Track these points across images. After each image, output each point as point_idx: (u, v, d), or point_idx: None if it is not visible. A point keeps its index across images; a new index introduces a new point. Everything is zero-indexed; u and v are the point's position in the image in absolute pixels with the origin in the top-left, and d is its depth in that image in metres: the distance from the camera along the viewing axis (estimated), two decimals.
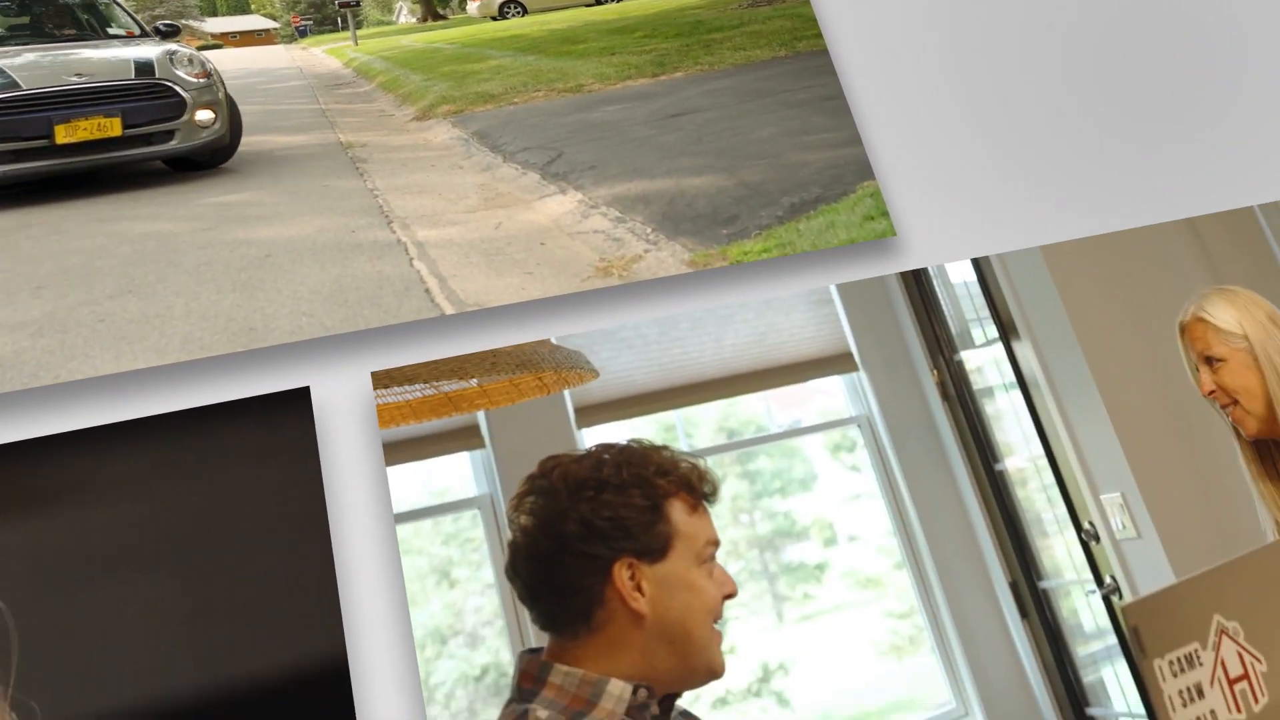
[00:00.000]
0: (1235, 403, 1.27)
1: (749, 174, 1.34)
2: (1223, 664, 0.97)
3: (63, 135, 1.34)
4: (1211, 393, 1.27)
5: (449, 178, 1.36)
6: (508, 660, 1.01)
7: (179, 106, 1.43)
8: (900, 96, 1.44)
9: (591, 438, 1.14)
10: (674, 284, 1.26)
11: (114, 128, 1.38)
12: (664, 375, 1.18)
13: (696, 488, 0.93)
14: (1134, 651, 0.91)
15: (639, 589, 0.89)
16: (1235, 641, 0.99)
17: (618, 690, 0.87)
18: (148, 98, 1.43)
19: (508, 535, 0.97)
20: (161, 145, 1.42)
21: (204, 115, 1.44)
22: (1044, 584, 1.19)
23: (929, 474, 1.20)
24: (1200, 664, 0.94)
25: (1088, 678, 1.15)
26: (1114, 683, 1.15)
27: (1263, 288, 1.34)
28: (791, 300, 1.25)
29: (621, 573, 0.89)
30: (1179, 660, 0.93)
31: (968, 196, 1.39)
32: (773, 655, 1.04)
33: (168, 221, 1.27)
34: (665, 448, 0.95)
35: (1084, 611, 1.18)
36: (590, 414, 1.15)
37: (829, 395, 1.18)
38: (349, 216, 1.29)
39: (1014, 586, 1.17)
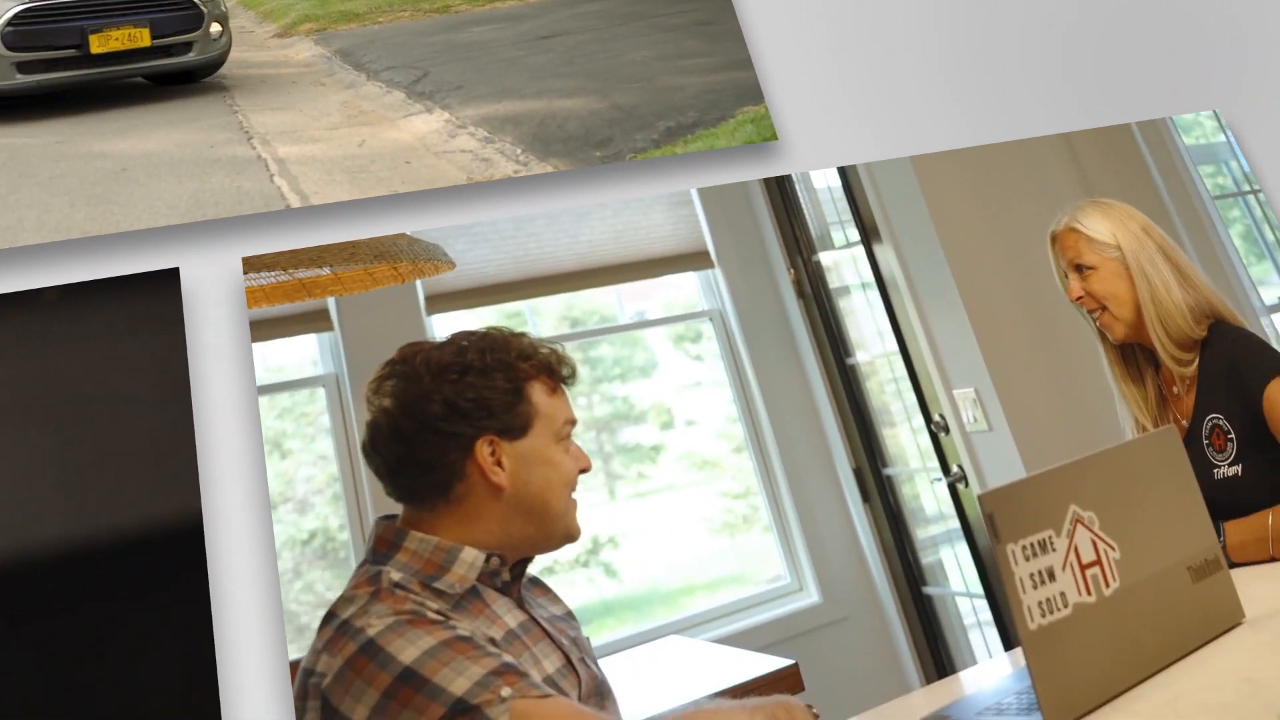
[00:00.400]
0: (1104, 309, 1.31)
1: (622, 97, 1.35)
2: (1076, 550, 1.00)
3: (97, 45, 1.33)
4: (1079, 299, 1.31)
5: (311, 94, 1.36)
6: (336, 526, 1.06)
7: (198, 19, 1.43)
8: (787, 7, 1.50)
9: (440, 324, 1.20)
10: (552, 182, 1.31)
11: (143, 38, 1.38)
12: (517, 268, 1.24)
13: (556, 371, 1.00)
14: (989, 537, 0.95)
15: (499, 464, 0.96)
16: (1090, 530, 1.03)
17: (470, 557, 0.93)
18: (171, 9, 1.42)
19: (365, 415, 1.02)
20: (180, 57, 1.42)
21: (215, 28, 1.44)
22: (888, 471, 1.23)
23: (779, 366, 1.24)
24: (1053, 550, 0.98)
25: (926, 559, 1.19)
26: (953, 564, 1.19)
27: (1136, 203, 1.38)
28: (651, 201, 1.30)
29: (483, 449, 0.95)
30: (1032, 545, 0.97)
31: (848, 106, 1.44)
32: (603, 530, 1.09)
33: (20, 135, 1.25)
34: (525, 334, 1.01)
35: (927, 497, 1.22)
36: (440, 302, 1.21)
37: (679, 290, 1.23)
38: (208, 132, 1.29)
39: (858, 473, 1.21)
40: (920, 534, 1.17)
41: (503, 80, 1.39)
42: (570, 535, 0.98)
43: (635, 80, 1.40)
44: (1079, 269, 1.32)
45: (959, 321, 1.30)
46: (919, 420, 1.25)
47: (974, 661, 1.14)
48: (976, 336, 1.29)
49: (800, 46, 1.46)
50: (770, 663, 1.09)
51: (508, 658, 0.88)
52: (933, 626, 1.15)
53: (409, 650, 0.86)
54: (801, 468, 1.19)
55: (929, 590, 1.16)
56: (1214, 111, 1.50)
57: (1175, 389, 1.32)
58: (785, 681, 1.08)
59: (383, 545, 0.95)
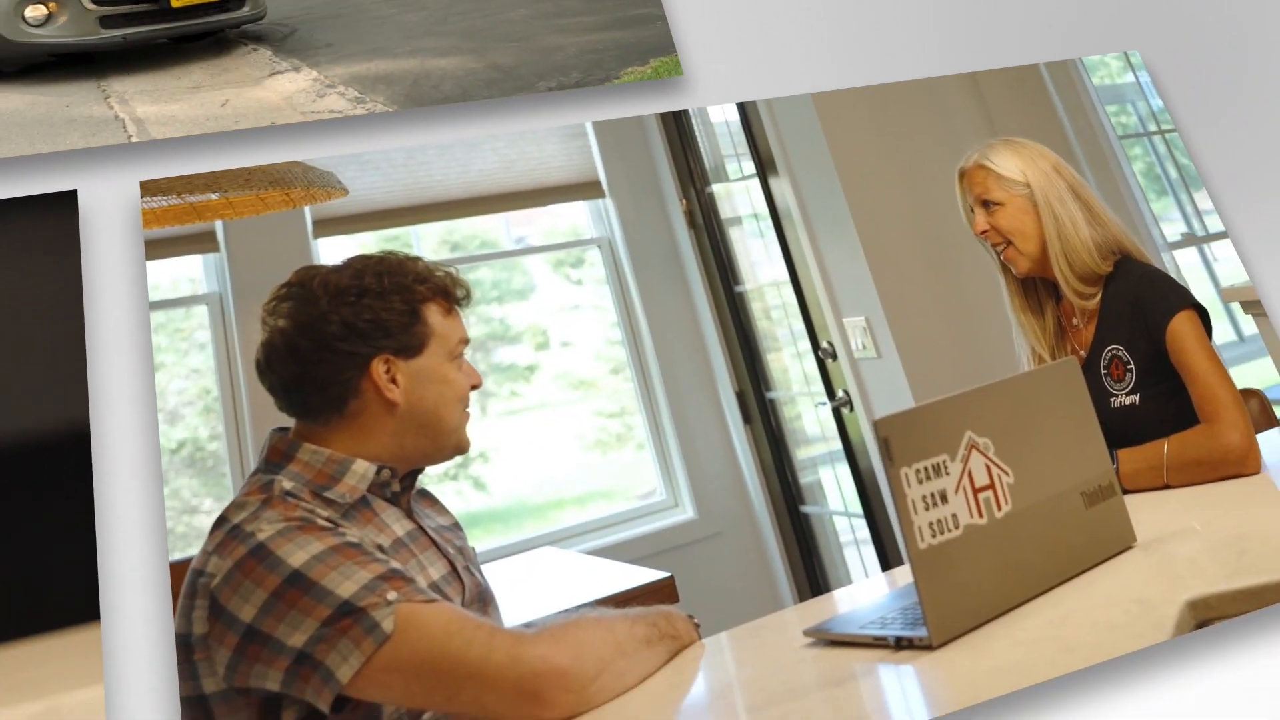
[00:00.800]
0: (1008, 244, 1.33)
1: (500, 56, 1.32)
2: (969, 474, 1.03)
3: None
4: (984, 232, 1.34)
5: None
6: (205, 436, 1.10)
7: None
8: None
9: (326, 248, 1.24)
10: (454, 114, 1.35)
11: None
12: (406, 194, 1.28)
13: (451, 293, 1.04)
14: (883, 460, 0.98)
15: (394, 381, 1.00)
16: (985, 455, 1.05)
17: (362, 469, 0.97)
18: None
19: (256, 335, 1.06)
20: (235, 13, 1.41)
21: None
22: (772, 394, 1.26)
23: (665, 292, 1.28)
24: (947, 473, 1.01)
25: (805, 479, 1.21)
26: (832, 484, 1.22)
27: (1041, 141, 1.41)
28: (545, 133, 1.33)
29: (378, 367, 0.99)
30: (926, 469, 1.00)
31: (754, 42, 1.47)
32: (474, 445, 1.12)
33: None
34: (420, 258, 1.07)
35: (810, 421, 1.25)
36: (327, 226, 1.25)
37: (566, 218, 1.27)
38: (62, 90, 1.25)
39: (740, 395, 1.25)
40: (801, 455, 1.20)
41: (374, 39, 1.36)
42: (460, 448, 1.03)
43: (513, 39, 1.36)
44: (985, 204, 1.34)
45: (852, 252, 1.33)
46: (806, 346, 1.28)
47: (849, 579, 1.17)
48: (870, 267, 1.32)
49: None
50: (645, 575, 1.11)
51: (395, 564, 0.92)
52: (809, 544, 1.18)
53: (298, 554, 0.90)
54: (683, 389, 1.22)
55: (806, 509, 1.19)
56: (1124, 53, 1.53)
57: (1075, 320, 1.35)
58: (661, 593, 1.11)
59: (275, 455, 0.99)
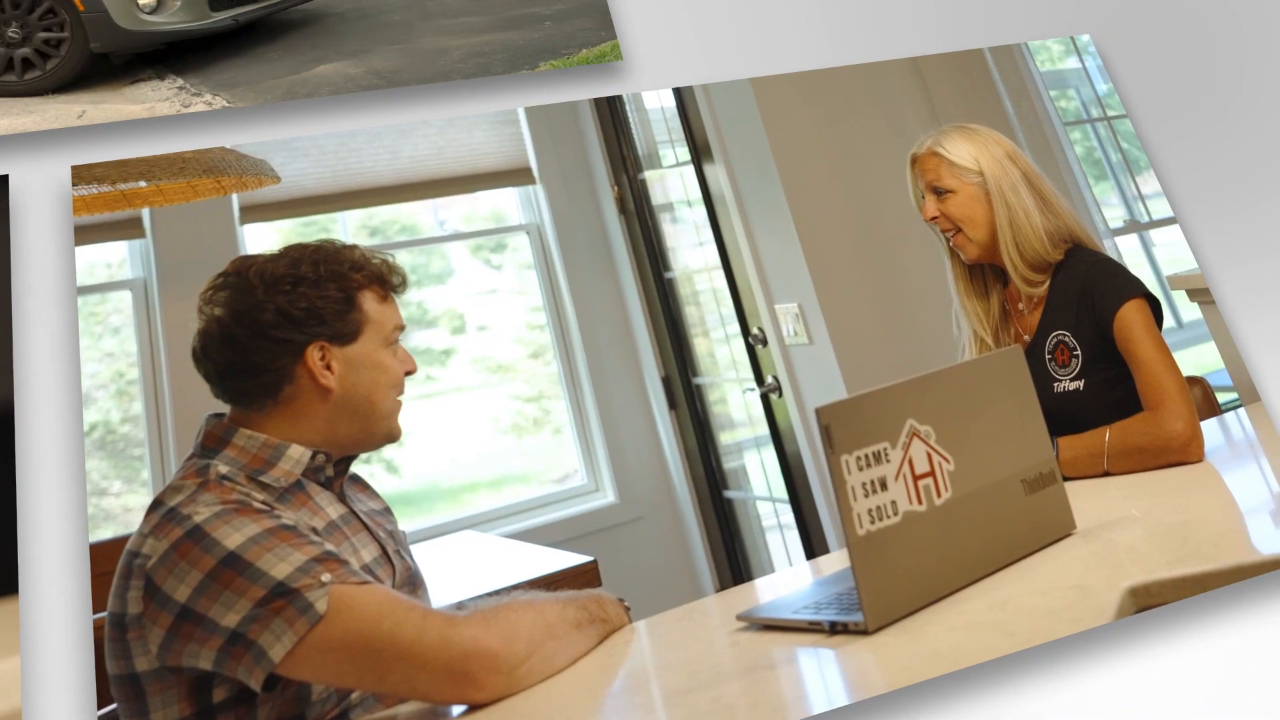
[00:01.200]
0: (958, 230, 1.34)
1: (380, 61, 1.29)
2: (910, 462, 1.04)
3: None
4: (934, 219, 1.35)
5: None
6: (117, 420, 1.12)
7: None
8: None
9: (251, 234, 1.26)
10: (391, 99, 1.37)
11: None
12: (335, 181, 1.30)
13: (387, 280, 1.07)
14: (824, 447, 0.99)
15: (329, 368, 1.03)
16: (926, 443, 1.06)
17: (297, 454, 1.00)
18: None
19: (197, 323, 1.07)
20: None
21: None
22: (699, 380, 1.27)
23: (593, 278, 1.29)
24: (888, 461, 1.02)
25: (730, 464, 1.23)
26: (758, 470, 1.23)
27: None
28: (477, 119, 1.35)
29: (313, 354, 1.01)
30: (866, 456, 1.00)
31: (694, 27, 1.49)
32: None
33: None
34: (357, 246, 1.10)
35: (737, 406, 1.26)
36: (255, 213, 1.27)
37: (488, 203, 1.28)
38: None
39: (666, 381, 1.26)
40: (726, 440, 1.21)
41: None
42: (392, 435, 1.05)
43: (395, 43, 1.33)
44: (937, 191, 1.35)
45: (787, 238, 1.34)
46: (737, 332, 1.29)
47: (772, 565, 1.18)
48: (804, 253, 1.34)
49: None
50: (569, 559, 1.13)
51: (329, 546, 0.94)
52: (731, 529, 1.19)
53: (234, 536, 0.92)
54: (608, 374, 1.24)
55: (730, 494, 1.20)
56: (1068, 38, 1.54)
57: (1020, 306, 1.36)
58: (584, 577, 1.12)
59: (211, 440, 1.01)
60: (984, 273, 1.36)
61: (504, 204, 1.31)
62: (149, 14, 1.32)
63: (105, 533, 1.05)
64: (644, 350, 1.24)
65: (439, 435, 1.13)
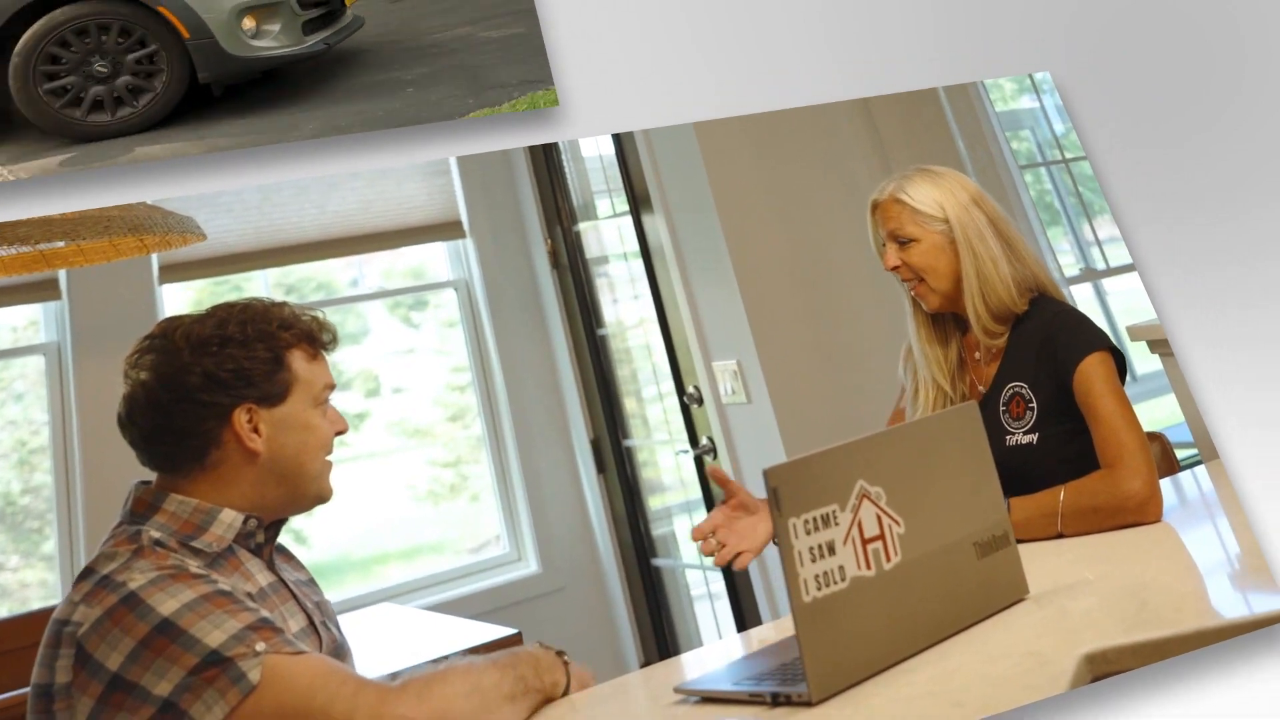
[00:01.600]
0: (921, 280, 1.32)
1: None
2: (859, 525, 1.02)
3: None
4: (896, 268, 1.33)
5: None
6: (17, 491, 1.11)
7: None
8: None
9: (170, 294, 1.25)
10: (314, 149, 1.36)
11: None
12: (259, 238, 1.29)
13: (317, 337, 1.06)
14: (771, 510, 0.98)
15: (256, 431, 1.02)
16: (876, 505, 1.05)
17: (229, 518, 0.99)
18: None
19: (123, 388, 1.07)
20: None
21: None
22: (629, 442, 1.25)
23: (522, 336, 1.28)
24: (836, 524, 1.00)
25: (660, 530, 1.21)
26: (687, 536, 1.21)
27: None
28: (407, 170, 1.34)
29: (240, 417, 1.01)
30: (815, 519, 0.99)
31: (634, 69, 1.47)
32: None
33: None
34: (286, 304, 1.09)
35: (669, 470, 1.24)
36: (174, 272, 1.26)
37: (409, 258, 1.27)
38: None
39: (595, 443, 1.24)
40: (656, 505, 1.19)
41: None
42: (322, 497, 1.05)
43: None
44: (899, 240, 1.33)
45: (727, 291, 1.32)
46: (671, 390, 1.27)
47: (699, 634, 1.16)
48: (745, 307, 1.32)
49: (587, 9, 1.50)
50: (491, 631, 1.11)
51: (265, 613, 0.93)
52: (659, 598, 1.17)
53: (169, 603, 0.91)
54: (534, 437, 1.22)
55: (658, 562, 1.18)
56: (1024, 76, 1.52)
57: (977, 355, 1.33)
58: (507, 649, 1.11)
59: (141, 506, 1.01)
60: (945, 319, 1.34)
61: (426, 259, 1.30)
62: (252, 39, 1.31)
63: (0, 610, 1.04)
64: (573, 411, 1.22)
65: (351, 503, 1.11)
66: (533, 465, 1.20)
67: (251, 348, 1.03)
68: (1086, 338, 1.29)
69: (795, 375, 1.32)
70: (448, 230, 1.33)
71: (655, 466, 1.20)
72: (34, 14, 1.27)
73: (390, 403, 1.17)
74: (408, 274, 1.28)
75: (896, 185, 1.34)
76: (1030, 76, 1.50)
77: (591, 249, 1.32)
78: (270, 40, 1.32)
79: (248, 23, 1.31)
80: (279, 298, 1.22)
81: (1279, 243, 1.42)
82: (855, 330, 1.34)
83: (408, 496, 1.14)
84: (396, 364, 1.19)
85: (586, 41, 1.45)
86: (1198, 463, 1.31)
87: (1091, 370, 1.27)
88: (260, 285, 1.24)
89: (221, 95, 1.31)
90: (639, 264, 1.34)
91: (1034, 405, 1.28)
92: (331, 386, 1.07)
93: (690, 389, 1.28)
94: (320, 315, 1.08)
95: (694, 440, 1.25)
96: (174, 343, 1.04)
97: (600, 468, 1.20)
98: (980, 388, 1.31)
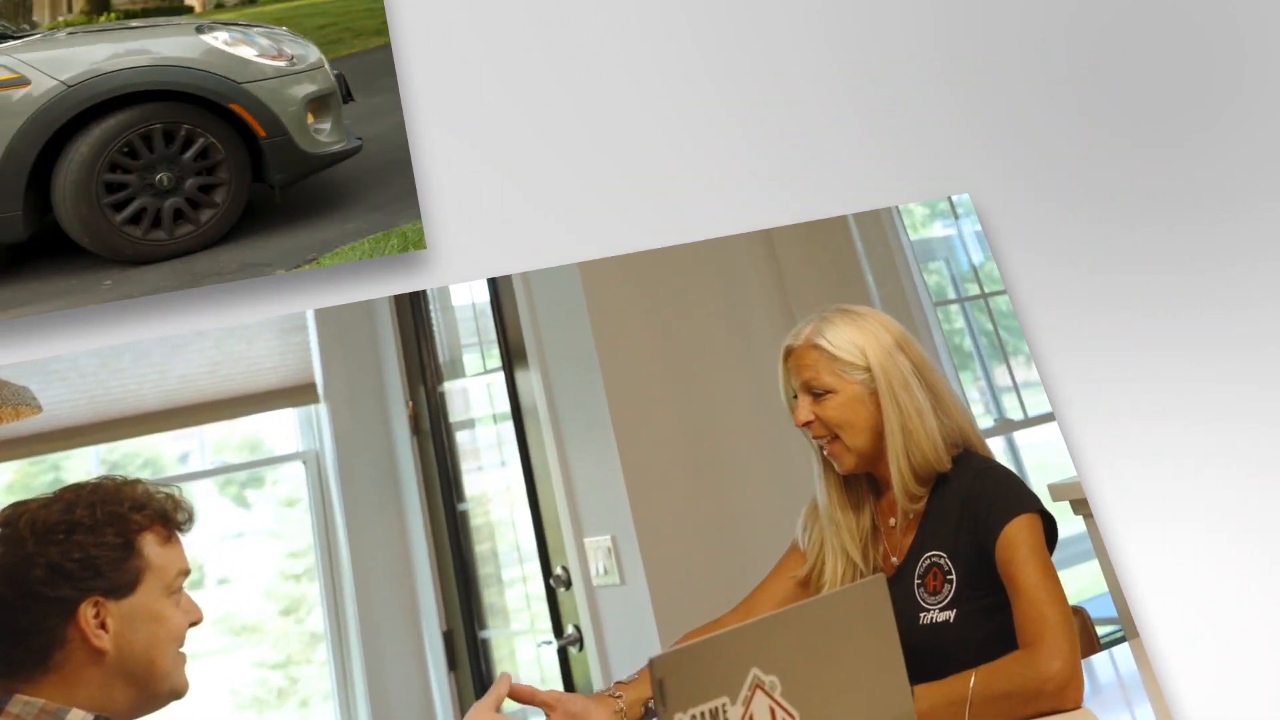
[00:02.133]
0: (835, 437, 1.24)
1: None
2: (750, 718, 0.98)
3: None
4: (808, 424, 1.25)
5: None
6: None
7: None
8: (451, 101, 1.47)
9: None
10: (153, 306, 1.30)
11: None
12: (93, 408, 1.22)
13: (172, 518, 1.03)
14: (655, 705, 0.93)
15: (103, 626, 0.98)
16: (770, 696, 1.00)
17: (78, 718, 0.96)
18: None
19: None
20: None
21: None
22: (486, 633, 1.17)
23: (373, 513, 1.20)
24: (726, 718, 0.96)
25: None
26: None
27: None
28: (259, 327, 1.28)
29: (87, 612, 0.98)
30: (703, 714, 0.94)
31: (511, 207, 1.41)
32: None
33: None
34: (140, 481, 1.05)
35: (528, 663, 1.17)
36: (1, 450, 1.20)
37: (250, 430, 1.20)
38: None
39: (448, 636, 1.17)
40: (513, 707, 1.11)
41: None
42: (176, 693, 1.01)
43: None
44: (813, 392, 1.25)
45: (606, 456, 1.25)
46: (536, 572, 1.20)
47: None
48: (624, 474, 1.24)
49: (460, 143, 1.44)
50: None
51: None
52: None
53: None
54: (380, 630, 1.15)
55: None
56: (939, 201, 1.43)
57: (892, 521, 1.25)
58: None
59: None
60: (859, 482, 1.25)
61: (265, 429, 1.23)
62: (315, 134, 1.29)
63: None
64: (425, 599, 1.15)
65: (165, 712, 1.04)
66: (377, 662, 1.12)
67: (101, 533, 1.00)
68: (1013, 499, 1.21)
69: (676, 552, 1.24)
70: (300, 395, 1.26)
71: (513, 660, 1.12)
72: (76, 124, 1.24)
73: (215, 596, 1.10)
74: (243, 446, 1.21)
75: (814, 329, 1.26)
76: (949, 199, 1.41)
77: (457, 411, 1.25)
78: (328, 136, 1.30)
79: (309, 117, 1.29)
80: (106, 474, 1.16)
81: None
82: (747, 500, 1.26)
83: (229, 704, 1.07)
84: (224, 551, 1.12)
85: (458, 177, 1.38)
86: (1121, 640, 1.22)
87: (1016, 536, 1.20)
88: (88, 463, 1.18)
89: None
90: (508, 426, 1.27)
91: (952, 577, 1.20)
92: (186, 572, 1.03)
93: (558, 569, 1.20)
94: (176, 493, 1.04)
95: (559, 629, 1.17)
96: (18, 531, 1.00)
97: (452, 664, 1.12)
98: (894, 558, 1.24)
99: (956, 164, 1.47)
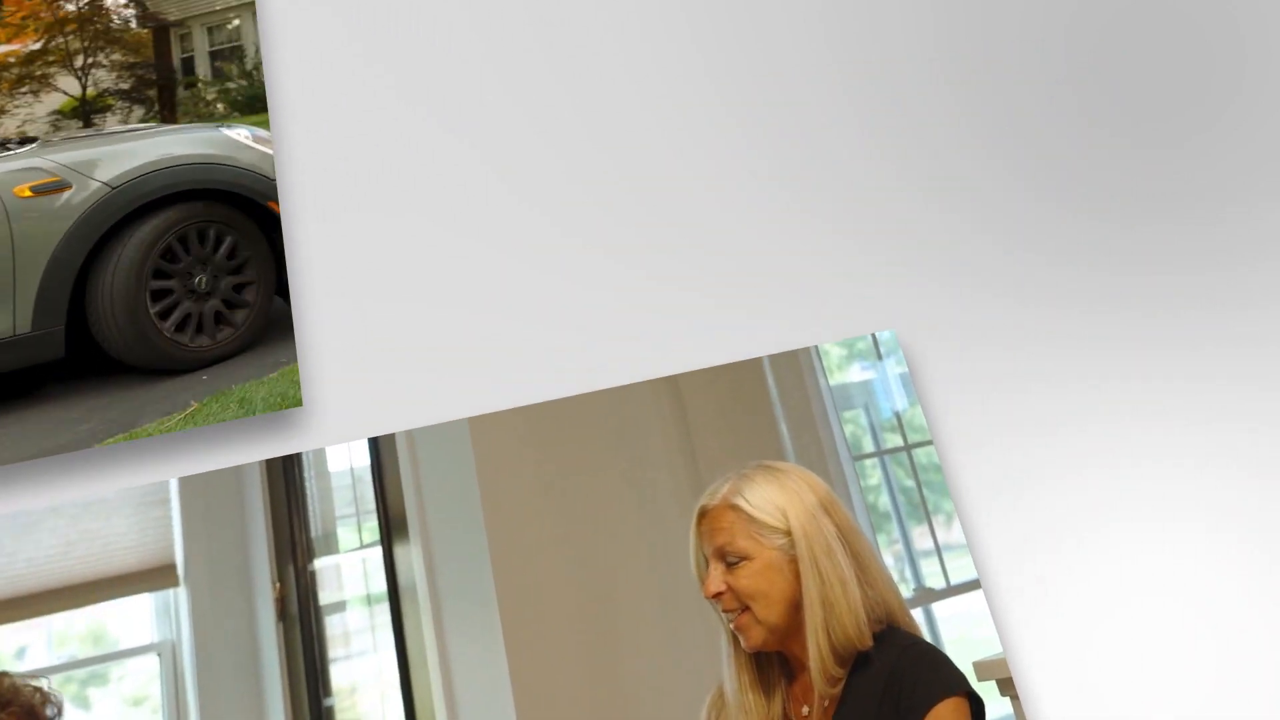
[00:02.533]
0: (745, 609, 1.16)
1: None
2: None
3: None
4: (718, 595, 1.17)
5: None
6: None
7: None
8: (330, 243, 1.40)
9: None
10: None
11: None
12: None
13: (40, 713, 1.01)
14: None
15: None
16: None
17: None
18: None
19: None
20: None
21: None
22: None
23: (232, 711, 1.13)
24: None
25: None
26: None
27: (764, 459, 1.24)
28: (119, 500, 1.20)
29: None
30: None
31: (387, 368, 1.34)
32: None
33: None
34: (6, 674, 1.02)
35: None
36: None
37: (95, 619, 1.13)
38: None
39: None
40: None
41: None
42: None
43: None
44: (726, 559, 1.17)
45: (489, 638, 1.17)
46: None
47: None
48: (508, 657, 1.16)
49: (343, 296, 1.37)
50: None
51: None
52: None
53: None
54: None
55: None
56: (860, 338, 1.35)
57: (806, 709, 1.16)
58: None
59: None
60: (771, 662, 1.17)
61: (114, 619, 1.16)
62: None
63: None
64: None
65: None
66: None
67: None
68: (939, 680, 1.13)
69: None
70: (158, 578, 1.19)
71: None
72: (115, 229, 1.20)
73: None
74: (87, 638, 1.13)
75: (732, 487, 1.18)
76: (873, 336, 1.33)
77: (328, 591, 1.17)
78: None
79: None
80: None
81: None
82: (647, 689, 1.18)
83: None
84: None
85: (338, 331, 1.31)
86: None
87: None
88: None
89: None
90: (383, 608, 1.19)
91: None
92: None
93: None
94: (45, 685, 1.01)
95: None
96: None
97: None
98: None
99: (877, 298, 1.39)
